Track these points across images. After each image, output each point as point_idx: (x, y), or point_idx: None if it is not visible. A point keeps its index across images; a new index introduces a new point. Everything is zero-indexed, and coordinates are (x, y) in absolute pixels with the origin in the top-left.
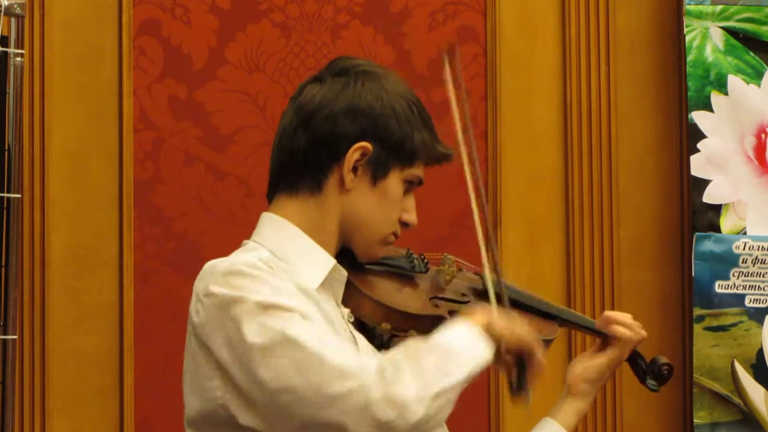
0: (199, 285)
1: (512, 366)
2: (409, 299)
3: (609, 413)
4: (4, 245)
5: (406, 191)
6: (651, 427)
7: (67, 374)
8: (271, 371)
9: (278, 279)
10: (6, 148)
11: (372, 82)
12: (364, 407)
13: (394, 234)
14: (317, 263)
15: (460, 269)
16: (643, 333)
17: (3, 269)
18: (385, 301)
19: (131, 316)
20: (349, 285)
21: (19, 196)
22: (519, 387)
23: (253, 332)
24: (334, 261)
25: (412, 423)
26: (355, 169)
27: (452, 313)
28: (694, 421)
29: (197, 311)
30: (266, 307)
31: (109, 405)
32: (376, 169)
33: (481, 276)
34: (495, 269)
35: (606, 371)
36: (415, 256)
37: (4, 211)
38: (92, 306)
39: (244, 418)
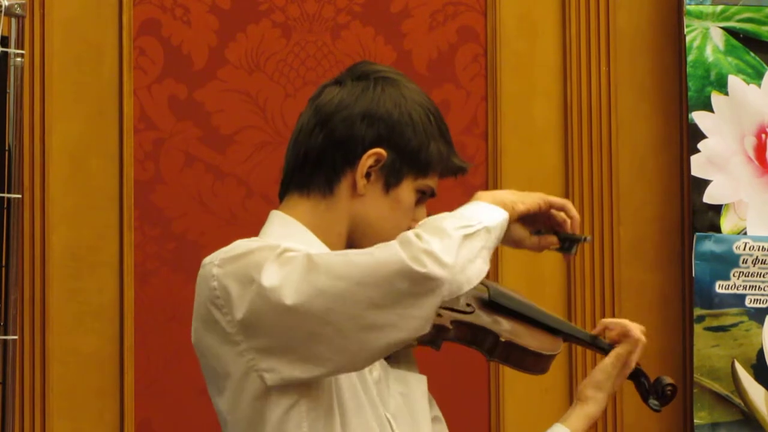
0: (211, 259)
1: (549, 236)
2: None
3: (609, 413)
4: (5, 245)
5: (419, 201)
6: (651, 428)
7: (67, 374)
8: (300, 293)
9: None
10: (6, 148)
11: (392, 89)
12: (400, 270)
13: None
14: None
15: None
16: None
17: (3, 269)
18: None
19: (131, 316)
20: None
21: (20, 196)
22: (568, 246)
23: (272, 272)
24: None
25: (447, 268)
26: (368, 175)
27: (455, 323)
28: (695, 421)
29: (213, 275)
30: (281, 252)
31: (109, 405)
32: (390, 177)
33: (486, 285)
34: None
35: (612, 371)
36: None
37: (5, 211)
38: (92, 306)
39: (273, 376)
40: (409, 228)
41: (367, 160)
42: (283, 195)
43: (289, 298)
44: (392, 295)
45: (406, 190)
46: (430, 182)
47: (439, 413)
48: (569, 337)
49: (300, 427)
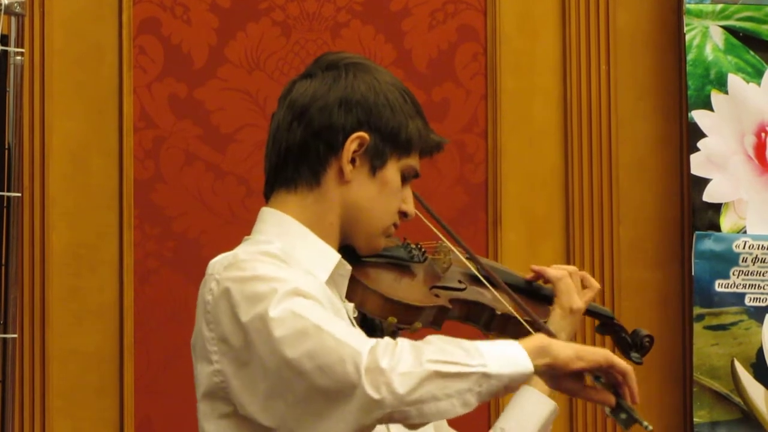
0: (215, 267)
1: (607, 393)
2: (412, 291)
3: None
4: (5, 244)
5: (403, 182)
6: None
7: (67, 373)
8: (269, 344)
9: (294, 270)
10: (6, 146)
11: (363, 73)
12: (351, 383)
13: (394, 225)
14: (323, 259)
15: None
16: (588, 286)
17: (3, 268)
18: (390, 295)
19: (131, 315)
20: (352, 280)
21: (20, 194)
22: (624, 418)
23: (260, 308)
24: (339, 256)
25: (396, 397)
26: (353, 161)
27: (453, 301)
28: (694, 420)
29: (210, 290)
30: (287, 292)
31: (109, 404)
32: (374, 159)
33: (473, 264)
34: (472, 258)
35: (563, 323)
36: (412, 245)
37: (5, 209)
38: (92, 305)
39: (242, 406)
40: (398, 210)
41: (350, 145)
42: (269, 194)
43: (288, 350)
44: (334, 397)
45: (392, 171)
46: (413, 162)
47: None
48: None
49: None
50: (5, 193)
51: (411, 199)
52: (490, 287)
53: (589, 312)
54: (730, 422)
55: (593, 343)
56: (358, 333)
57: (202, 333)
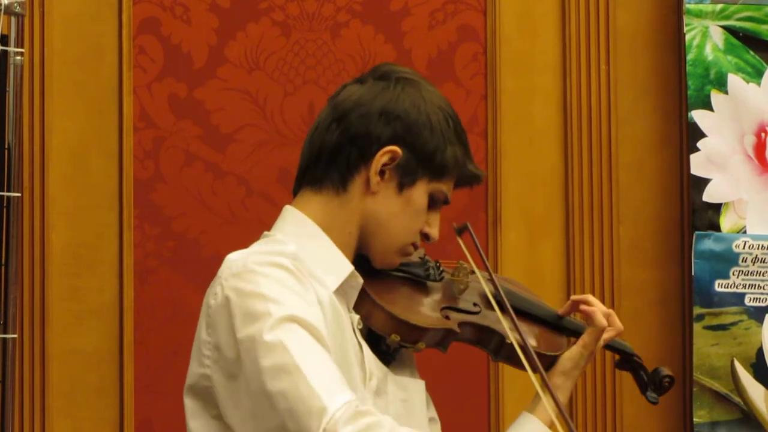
0: (225, 270)
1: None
2: (420, 311)
3: (609, 413)
4: (4, 244)
5: (432, 205)
6: (651, 426)
7: (67, 373)
8: (254, 369)
9: (301, 284)
10: (6, 146)
11: (412, 89)
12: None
13: (414, 245)
14: (335, 268)
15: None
16: (612, 324)
17: (3, 268)
18: (396, 313)
19: (131, 315)
20: (361, 291)
21: (19, 194)
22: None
23: (254, 329)
24: (351, 267)
25: None
26: (382, 173)
27: (463, 325)
28: (694, 420)
29: (215, 294)
30: (283, 318)
31: (109, 404)
32: (404, 176)
33: (492, 289)
34: (492, 281)
35: (579, 360)
36: (431, 262)
37: (4, 209)
38: (92, 305)
39: (225, 415)
40: (421, 231)
41: (381, 157)
42: (296, 190)
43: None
44: None
45: (419, 192)
46: (444, 187)
47: (434, 414)
48: (571, 333)
49: None
50: (5, 193)
51: (437, 222)
52: (500, 315)
53: (610, 347)
54: (730, 422)
55: (613, 377)
56: (341, 378)
57: (200, 333)
